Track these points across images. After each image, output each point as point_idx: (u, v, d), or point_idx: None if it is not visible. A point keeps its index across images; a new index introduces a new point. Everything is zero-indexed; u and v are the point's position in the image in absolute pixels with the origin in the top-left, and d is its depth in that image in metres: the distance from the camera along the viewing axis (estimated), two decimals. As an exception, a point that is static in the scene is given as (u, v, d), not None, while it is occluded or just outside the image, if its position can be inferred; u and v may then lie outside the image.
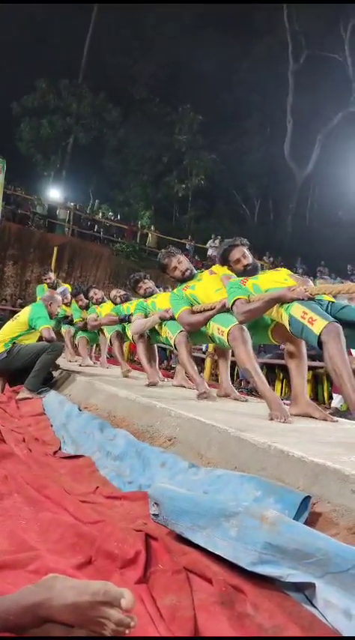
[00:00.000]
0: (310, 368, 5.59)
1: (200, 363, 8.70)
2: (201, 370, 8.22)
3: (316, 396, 6.30)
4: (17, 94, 22.68)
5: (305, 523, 1.26)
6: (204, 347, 8.21)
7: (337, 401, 5.48)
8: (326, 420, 2.56)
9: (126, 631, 0.81)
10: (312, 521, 1.30)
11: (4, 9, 22.24)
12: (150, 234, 19.58)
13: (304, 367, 2.85)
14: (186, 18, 25.40)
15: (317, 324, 2.25)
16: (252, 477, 1.49)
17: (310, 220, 26.51)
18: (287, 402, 3.02)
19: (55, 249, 12.14)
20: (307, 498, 1.31)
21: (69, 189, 21.93)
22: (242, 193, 27.16)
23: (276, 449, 1.62)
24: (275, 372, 6.99)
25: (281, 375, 6.83)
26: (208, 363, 5.99)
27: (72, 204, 19.08)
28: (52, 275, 6.75)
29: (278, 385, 6.83)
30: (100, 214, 20.34)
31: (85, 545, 1.29)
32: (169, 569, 1.15)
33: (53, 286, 6.54)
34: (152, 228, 20.62)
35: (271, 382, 7.03)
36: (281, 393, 6.49)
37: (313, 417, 2.63)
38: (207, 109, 24.62)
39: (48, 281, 6.63)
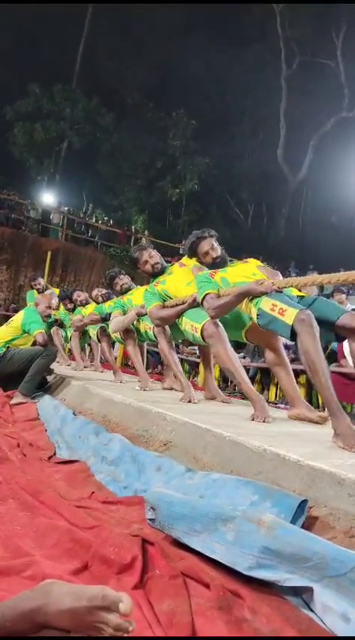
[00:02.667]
0: (303, 372, 5.60)
1: (194, 367, 8.72)
2: (196, 374, 8.25)
3: (310, 400, 6.30)
4: (10, 98, 22.68)
5: (302, 527, 1.26)
6: (198, 351, 8.21)
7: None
8: (324, 423, 2.54)
9: (125, 636, 0.80)
10: (309, 524, 1.30)
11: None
12: (143, 239, 19.59)
13: (289, 370, 2.84)
14: (178, 24, 25.54)
15: (288, 314, 2.20)
16: (249, 481, 1.48)
17: (303, 224, 26.64)
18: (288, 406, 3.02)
19: (49, 253, 12.12)
20: (304, 502, 1.31)
21: (62, 194, 21.94)
22: (235, 198, 27.28)
23: (272, 452, 1.62)
24: (270, 377, 6.99)
25: (276, 379, 6.83)
26: (202, 368, 5.99)
27: (66, 208, 19.07)
28: (41, 280, 6.79)
29: (273, 389, 6.84)
30: (94, 219, 20.34)
31: (80, 550, 1.28)
32: (166, 575, 1.14)
33: (43, 291, 6.56)
34: (146, 232, 20.65)
35: (266, 386, 7.04)
36: (276, 396, 6.50)
37: (312, 420, 2.61)
38: (201, 114, 24.75)
39: (37, 286, 6.65)
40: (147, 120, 25.68)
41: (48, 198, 19.75)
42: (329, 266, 16.44)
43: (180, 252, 18.56)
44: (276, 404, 5.90)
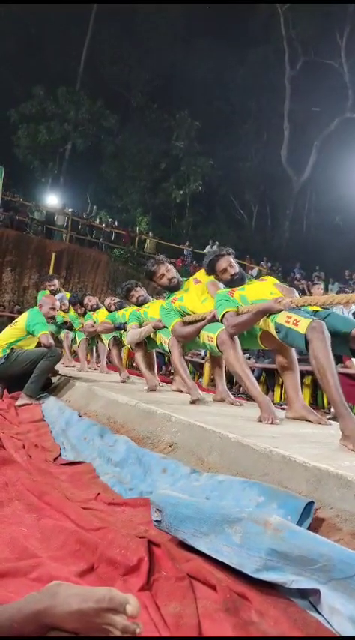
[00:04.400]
0: (309, 373, 5.59)
1: (199, 368, 8.73)
2: (200, 375, 8.25)
3: (315, 401, 6.29)
4: (15, 101, 22.78)
5: (308, 529, 1.25)
6: (202, 352, 8.22)
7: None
8: (320, 424, 2.60)
9: (133, 637, 0.80)
10: (315, 526, 1.30)
11: (2, 18, 22.38)
12: (148, 240, 19.62)
13: (296, 372, 2.88)
14: (181, 25, 25.61)
15: (302, 324, 2.27)
16: (255, 483, 1.48)
17: (307, 226, 26.61)
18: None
19: (53, 255, 12.18)
20: (310, 504, 1.30)
21: (67, 196, 22.02)
22: (239, 199, 27.26)
23: (278, 454, 1.62)
24: (275, 377, 6.99)
25: (281, 380, 6.82)
26: (207, 368, 6.02)
27: (70, 210, 19.12)
28: (56, 282, 6.72)
29: (277, 390, 6.83)
30: (98, 220, 20.38)
31: (87, 552, 1.28)
32: (172, 576, 1.14)
33: (55, 294, 6.56)
34: (150, 233, 20.67)
35: (271, 387, 7.03)
36: (281, 398, 6.48)
37: (308, 421, 2.66)
38: (204, 116, 24.77)
39: (52, 287, 6.62)
40: (151, 121, 25.74)
41: (52, 199, 19.84)
42: (334, 267, 16.48)
43: (185, 253, 18.60)
44: (281, 405, 5.89)
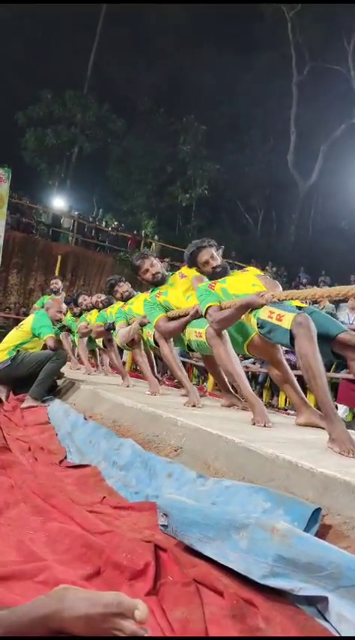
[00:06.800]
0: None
1: (203, 372, 8.69)
2: (205, 379, 8.22)
3: (318, 408, 6.26)
4: (22, 104, 22.92)
5: (316, 535, 1.24)
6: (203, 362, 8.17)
7: (342, 411, 5.45)
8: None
9: None
10: (322, 533, 1.29)
11: (10, 21, 22.54)
12: (153, 244, 19.63)
13: (292, 379, 2.82)
14: (189, 30, 25.70)
15: (286, 318, 2.19)
16: (261, 488, 1.47)
17: (313, 231, 26.56)
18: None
19: (59, 257, 12.19)
20: (317, 510, 1.30)
21: (73, 199, 22.09)
22: (245, 203, 27.26)
23: (285, 460, 1.61)
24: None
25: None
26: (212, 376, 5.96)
27: (76, 213, 19.18)
28: (59, 282, 6.80)
29: (282, 395, 6.80)
30: (104, 223, 20.42)
31: (93, 555, 1.27)
32: (179, 581, 1.14)
33: (56, 292, 6.60)
34: (155, 237, 20.69)
35: (276, 392, 7.01)
36: (286, 402, 6.46)
37: (319, 427, 2.59)
38: (211, 120, 24.83)
39: (54, 285, 6.68)
40: (157, 125, 25.80)
41: (58, 202, 19.90)
42: (339, 272, 16.44)
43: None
44: (286, 410, 5.87)
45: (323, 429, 2.52)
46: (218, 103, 26.15)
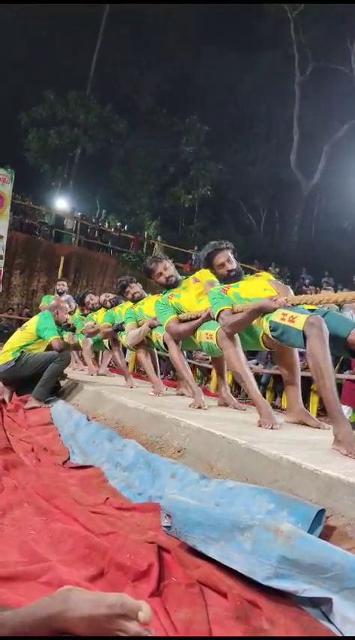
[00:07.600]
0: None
1: (206, 373, 8.69)
2: (208, 380, 8.22)
3: (323, 408, 6.25)
4: (25, 105, 22.93)
5: (320, 537, 1.24)
6: (210, 357, 8.18)
7: (345, 412, 5.44)
8: (319, 428, 2.58)
9: None
10: (326, 534, 1.29)
11: (13, 22, 22.59)
12: (156, 244, 19.64)
13: (297, 376, 2.85)
14: (191, 30, 25.69)
15: (299, 320, 2.20)
16: (265, 490, 1.47)
17: (316, 231, 26.51)
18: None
19: (62, 258, 12.21)
20: (321, 512, 1.30)
21: (76, 200, 22.11)
22: (248, 204, 27.23)
23: (288, 461, 1.61)
24: (283, 383, 6.94)
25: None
26: (215, 373, 5.97)
27: (79, 214, 19.20)
28: (65, 283, 6.81)
29: (285, 396, 6.79)
30: (107, 224, 20.44)
31: (96, 556, 1.27)
32: (183, 583, 1.14)
33: (62, 294, 6.61)
34: (158, 238, 20.70)
35: (278, 393, 7.00)
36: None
37: (307, 425, 2.66)
38: (214, 120, 24.81)
39: (60, 287, 6.68)
40: (160, 126, 25.79)
41: (61, 203, 19.95)
42: (343, 273, 16.41)
43: (193, 257, 18.59)
44: (284, 410, 5.85)
45: (309, 426, 2.61)
46: (220, 103, 26.13)
